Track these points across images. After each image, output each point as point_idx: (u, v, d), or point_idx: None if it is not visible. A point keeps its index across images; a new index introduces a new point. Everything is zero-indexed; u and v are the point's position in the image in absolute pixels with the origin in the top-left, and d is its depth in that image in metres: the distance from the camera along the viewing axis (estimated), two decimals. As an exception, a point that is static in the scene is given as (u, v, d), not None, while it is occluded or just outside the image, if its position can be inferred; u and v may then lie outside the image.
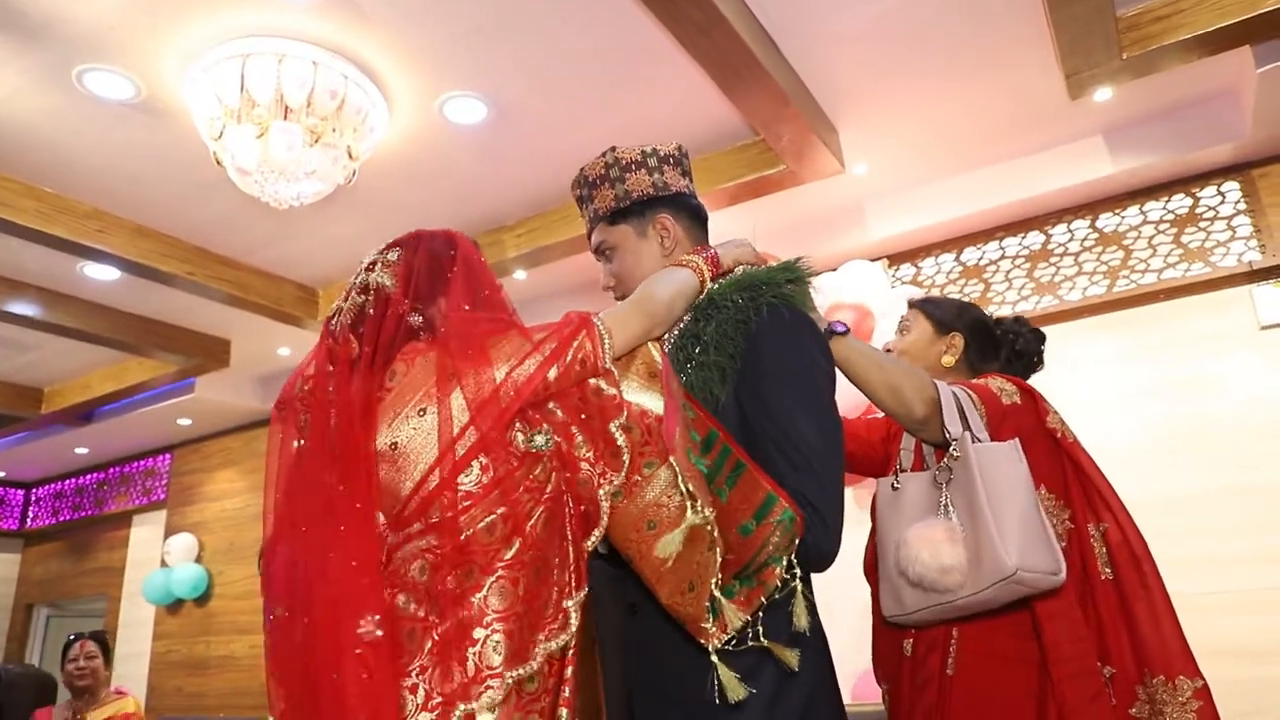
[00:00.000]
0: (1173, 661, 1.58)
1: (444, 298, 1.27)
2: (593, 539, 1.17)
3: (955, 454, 1.60)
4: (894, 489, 1.73)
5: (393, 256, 1.31)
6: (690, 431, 1.24)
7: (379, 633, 1.07)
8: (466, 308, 1.24)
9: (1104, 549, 1.66)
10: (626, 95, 3.35)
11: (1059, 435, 1.73)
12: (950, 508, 1.58)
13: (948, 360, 1.93)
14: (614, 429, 1.18)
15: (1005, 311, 3.94)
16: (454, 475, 1.12)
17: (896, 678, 1.75)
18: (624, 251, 1.52)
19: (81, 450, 7.40)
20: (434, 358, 1.19)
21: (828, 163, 3.65)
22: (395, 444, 1.15)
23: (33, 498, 8.48)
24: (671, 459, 1.17)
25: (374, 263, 1.31)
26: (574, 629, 1.12)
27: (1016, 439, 1.63)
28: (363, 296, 1.27)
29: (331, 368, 1.24)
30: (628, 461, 1.17)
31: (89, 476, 7.98)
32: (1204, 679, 1.57)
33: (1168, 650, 1.59)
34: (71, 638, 3.78)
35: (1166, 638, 1.60)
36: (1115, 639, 1.62)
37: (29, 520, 8.42)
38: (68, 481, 8.17)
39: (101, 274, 4.47)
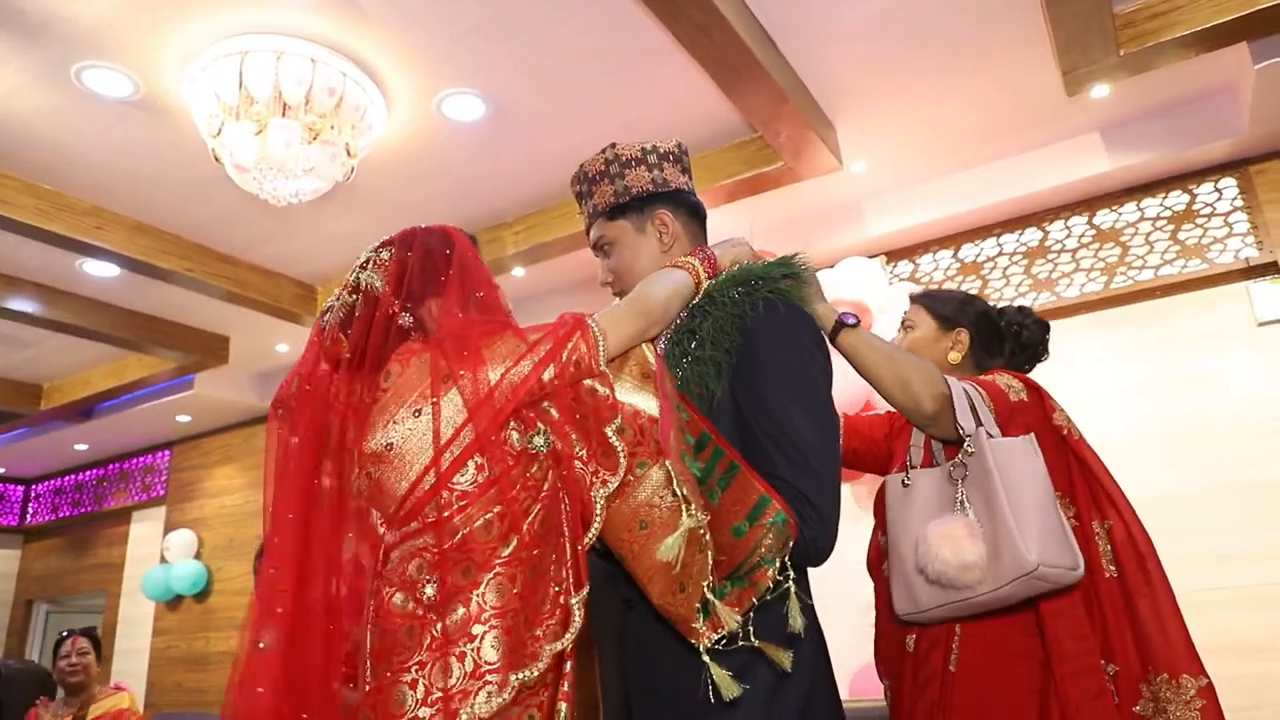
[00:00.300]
0: (1177, 660, 1.58)
1: (437, 299, 1.28)
2: (587, 538, 1.18)
3: (970, 450, 1.59)
4: (904, 485, 1.72)
5: (385, 255, 1.31)
6: (684, 434, 1.25)
7: (276, 647, 1.10)
8: (459, 314, 1.25)
9: (1108, 546, 1.65)
10: (625, 93, 3.35)
11: (1065, 432, 1.72)
12: (966, 504, 1.58)
13: (954, 356, 1.92)
14: (609, 433, 1.19)
15: (1003, 308, 3.94)
16: (449, 475, 1.13)
17: (899, 674, 1.75)
18: (622, 247, 1.52)
19: (81, 446, 7.40)
20: (429, 359, 1.19)
21: (826, 160, 3.66)
22: (391, 444, 1.16)
23: (32, 494, 8.48)
24: (666, 462, 1.17)
25: (367, 261, 1.32)
26: (577, 626, 1.12)
27: (1032, 434, 1.63)
28: (353, 296, 1.28)
29: (323, 366, 1.26)
30: (624, 463, 1.18)
31: (88, 473, 7.98)
32: (1208, 677, 1.57)
33: (1172, 648, 1.59)
34: (64, 634, 3.80)
35: (1171, 636, 1.59)
36: (1119, 637, 1.61)
37: (29, 516, 8.43)
38: (67, 478, 8.18)
39: (101, 271, 4.47)
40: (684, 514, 1.16)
